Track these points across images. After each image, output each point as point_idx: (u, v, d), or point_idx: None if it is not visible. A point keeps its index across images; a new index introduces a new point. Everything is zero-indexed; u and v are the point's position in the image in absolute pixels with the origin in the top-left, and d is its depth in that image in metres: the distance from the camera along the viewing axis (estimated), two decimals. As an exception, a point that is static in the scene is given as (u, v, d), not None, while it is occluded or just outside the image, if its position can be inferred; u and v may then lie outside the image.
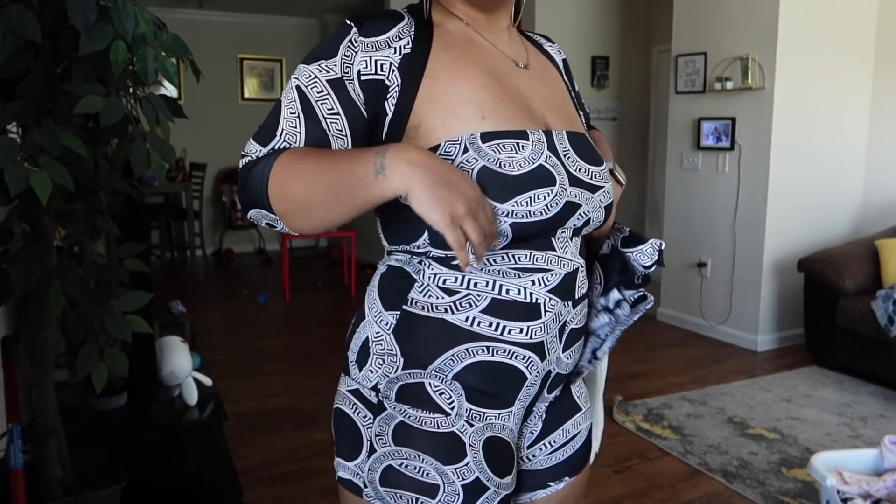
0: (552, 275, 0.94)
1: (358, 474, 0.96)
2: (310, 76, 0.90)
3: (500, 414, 0.97)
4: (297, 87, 0.90)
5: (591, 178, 0.95)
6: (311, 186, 0.85)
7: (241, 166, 0.91)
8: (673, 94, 4.65)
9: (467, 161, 0.87)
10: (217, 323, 4.85)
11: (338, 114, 0.89)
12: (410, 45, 0.91)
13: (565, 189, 0.91)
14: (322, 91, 0.89)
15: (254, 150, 0.90)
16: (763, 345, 4.23)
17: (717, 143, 4.34)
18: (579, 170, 0.94)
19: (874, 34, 4.35)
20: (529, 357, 0.94)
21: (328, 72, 0.90)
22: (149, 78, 1.43)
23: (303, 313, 5.12)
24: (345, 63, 0.90)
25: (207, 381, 2.33)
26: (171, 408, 2.21)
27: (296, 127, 0.89)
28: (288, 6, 7.08)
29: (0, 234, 1.58)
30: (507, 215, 0.87)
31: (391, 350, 0.94)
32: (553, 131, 0.94)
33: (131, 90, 1.53)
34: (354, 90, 0.89)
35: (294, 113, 0.89)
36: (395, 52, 0.91)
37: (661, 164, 5.65)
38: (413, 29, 0.93)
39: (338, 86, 0.89)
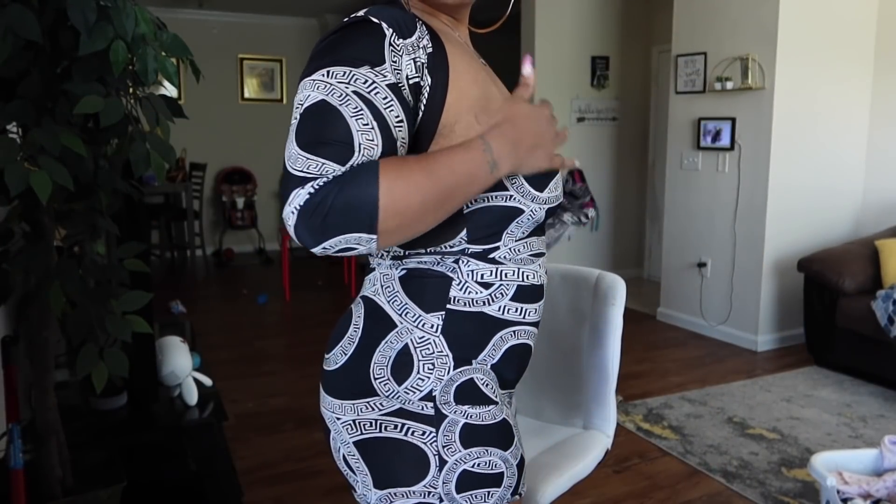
0: (544, 257, 1.04)
1: (431, 492, 0.94)
2: (368, 81, 0.82)
3: (511, 392, 1.05)
4: (358, 94, 0.81)
5: None
6: (427, 195, 0.80)
7: (311, 191, 0.77)
8: (673, 94, 4.65)
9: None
10: (217, 323, 4.85)
11: (402, 121, 0.84)
12: (431, 44, 0.89)
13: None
14: (387, 98, 0.83)
15: (330, 169, 0.78)
16: (763, 345, 4.23)
17: (717, 143, 4.34)
18: None
19: (874, 34, 4.35)
20: (535, 333, 1.03)
21: (385, 77, 0.83)
22: (149, 78, 1.43)
23: (303, 313, 5.12)
24: (395, 68, 0.84)
25: (207, 381, 2.33)
26: (171, 408, 2.21)
27: (373, 140, 0.81)
28: (288, 6, 7.08)
29: (0, 234, 1.58)
30: (545, 202, 0.96)
31: (441, 351, 0.93)
32: None
33: (131, 90, 1.53)
34: (407, 96, 0.85)
35: (367, 124, 0.81)
36: (423, 51, 0.88)
37: (661, 164, 5.65)
38: (424, 26, 0.91)
39: (397, 92, 0.84)
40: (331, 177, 0.78)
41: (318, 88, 0.82)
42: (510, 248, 0.96)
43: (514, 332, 0.98)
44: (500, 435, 0.96)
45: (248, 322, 4.88)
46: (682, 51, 4.54)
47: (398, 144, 0.83)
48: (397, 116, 0.83)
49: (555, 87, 5.47)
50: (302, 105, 0.82)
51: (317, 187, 0.77)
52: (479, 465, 0.94)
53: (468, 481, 0.94)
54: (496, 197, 0.92)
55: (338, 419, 0.96)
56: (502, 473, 0.96)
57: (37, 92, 1.40)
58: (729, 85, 4.14)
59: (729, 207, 4.32)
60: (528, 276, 0.98)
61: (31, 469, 1.67)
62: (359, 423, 0.95)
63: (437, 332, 0.93)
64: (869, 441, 2.92)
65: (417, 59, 0.86)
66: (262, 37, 7.58)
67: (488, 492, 0.95)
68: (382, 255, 0.97)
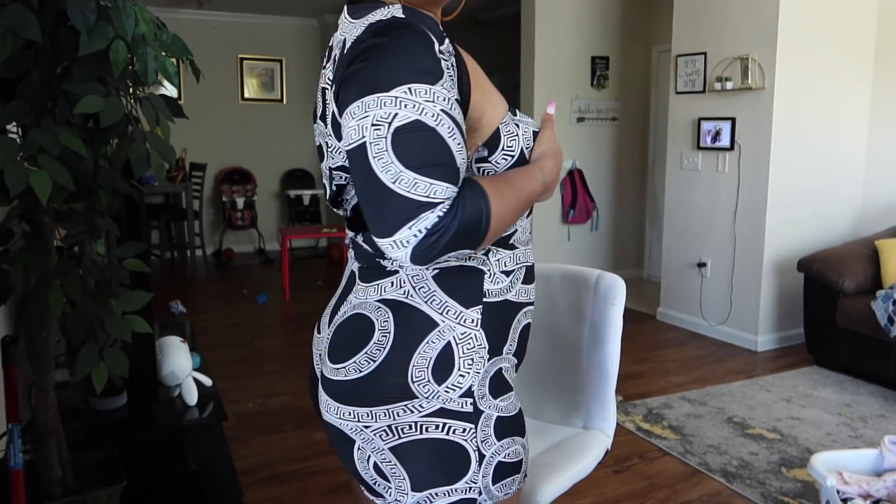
0: (529, 232, 1.08)
1: (472, 487, 0.95)
2: (446, 98, 0.86)
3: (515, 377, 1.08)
4: (445, 112, 0.85)
5: None
6: (513, 211, 0.92)
7: (440, 213, 0.82)
8: (673, 94, 4.65)
9: (524, 130, 1.00)
10: (217, 323, 4.85)
11: (462, 128, 0.90)
12: (450, 45, 0.92)
13: None
14: (458, 111, 0.88)
15: (451, 192, 0.84)
16: (763, 345, 4.23)
17: (717, 143, 4.34)
18: None
19: (874, 34, 4.35)
20: (533, 312, 1.10)
21: (451, 90, 0.87)
22: (149, 78, 1.43)
23: (303, 313, 5.12)
24: (450, 77, 0.88)
25: (207, 381, 2.32)
26: (171, 408, 2.21)
27: (463, 157, 0.87)
28: (288, 6, 7.08)
29: (0, 234, 1.58)
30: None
31: (481, 345, 0.96)
32: None
33: (131, 90, 1.53)
34: (458, 101, 0.90)
35: (459, 143, 0.86)
36: (451, 55, 0.91)
37: (661, 164, 5.65)
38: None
39: (458, 102, 0.89)
40: (450, 201, 0.83)
41: (405, 106, 0.83)
42: (520, 229, 1.03)
43: (525, 312, 1.03)
44: (520, 423, 1.01)
45: (248, 322, 4.88)
46: (682, 51, 4.54)
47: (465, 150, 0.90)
48: (462, 127, 0.89)
49: (555, 87, 5.47)
50: (389, 123, 0.83)
51: (444, 211, 0.82)
52: (509, 454, 0.98)
53: (501, 472, 0.97)
54: None
55: (366, 427, 0.94)
56: (522, 459, 1.01)
57: (37, 92, 1.40)
58: (729, 85, 4.14)
59: (729, 207, 4.32)
60: (530, 257, 1.05)
61: (31, 469, 1.67)
62: (396, 427, 0.93)
63: (477, 326, 0.96)
64: (869, 441, 2.92)
65: (452, 65, 0.90)
66: (262, 37, 7.58)
67: (513, 479, 1.00)
68: None
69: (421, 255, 0.83)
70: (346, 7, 1.01)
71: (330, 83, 0.97)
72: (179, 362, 2.24)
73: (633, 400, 3.39)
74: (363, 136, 0.83)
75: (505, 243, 1.00)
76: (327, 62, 1.02)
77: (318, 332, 1.11)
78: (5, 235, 1.58)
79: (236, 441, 2.88)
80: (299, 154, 7.78)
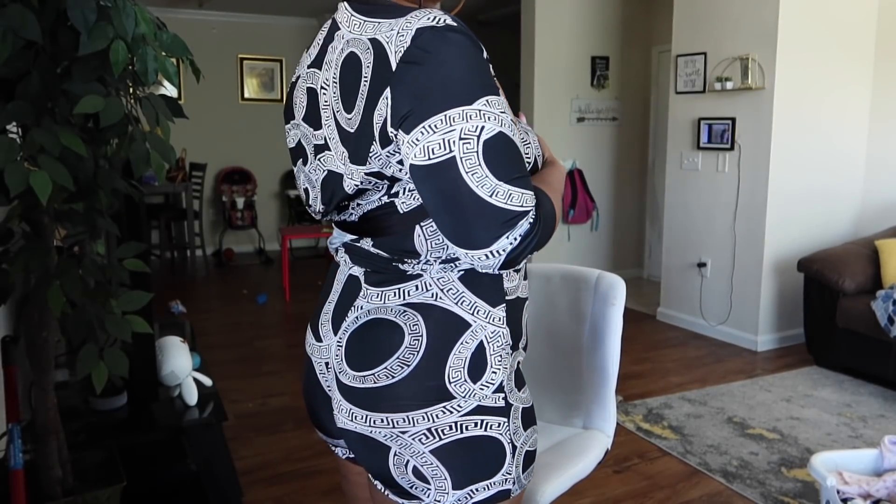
0: None
1: (507, 479, 0.97)
2: (507, 106, 0.90)
3: None
4: (513, 121, 0.89)
5: None
6: (560, 208, 0.99)
7: (531, 219, 0.86)
8: (673, 94, 4.65)
9: (534, 139, 1.05)
10: (217, 323, 4.85)
11: None
12: None
13: None
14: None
15: (534, 199, 0.87)
16: (763, 345, 4.23)
17: (717, 143, 4.34)
18: None
19: (874, 34, 4.35)
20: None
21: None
22: (149, 78, 1.43)
23: (303, 313, 5.12)
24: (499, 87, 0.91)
25: (207, 381, 2.32)
26: (171, 408, 2.21)
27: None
28: (288, 6, 7.08)
29: (0, 234, 1.58)
30: None
31: (507, 342, 0.98)
32: None
33: (131, 90, 1.53)
34: None
35: (521, 151, 0.91)
36: None
37: (661, 165, 5.65)
38: None
39: None
40: (535, 208, 0.87)
41: (489, 119, 0.85)
42: None
43: (526, 307, 1.06)
44: (534, 413, 1.05)
45: (248, 322, 4.88)
46: (682, 51, 4.54)
47: None
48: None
49: (555, 87, 5.47)
50: (478, 137, 0.84)
51: (533, 217, 0.87)
52: (531, 444, 1.02)
53: (527, 461, 1.01)
54: None
55: (403, 433, 0.93)
56: (536, 448, 1.04)
57: (37, 92, 1.40)
58: (729, 85, 4.14)
59: (729, 207, 4.33)
60: None
61: (31, 469, 1.67)
62: (436, 430, 0.93)
63: (503, 324, 0.98)
64: (869, 441, 2.92)
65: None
66: (262, 37, 7.58)
67: (532, 467, 1.03)
68: (429, 260, 0.96)
69: (512, 260, 0.87)
70: (347, 4, 0.97)
71: (332, 84, 0.94)
72: (179, 362, 2.24)
73: (633, 400, 3.39)
74: (450, 151, 0.83)
75: None
76: (319, 61, 0.99)
77: (318, 341, 1.07)
78: (5, 235, 1.59)
79: (236, 441, 2.88)
80: (299, 154, 7.77)
